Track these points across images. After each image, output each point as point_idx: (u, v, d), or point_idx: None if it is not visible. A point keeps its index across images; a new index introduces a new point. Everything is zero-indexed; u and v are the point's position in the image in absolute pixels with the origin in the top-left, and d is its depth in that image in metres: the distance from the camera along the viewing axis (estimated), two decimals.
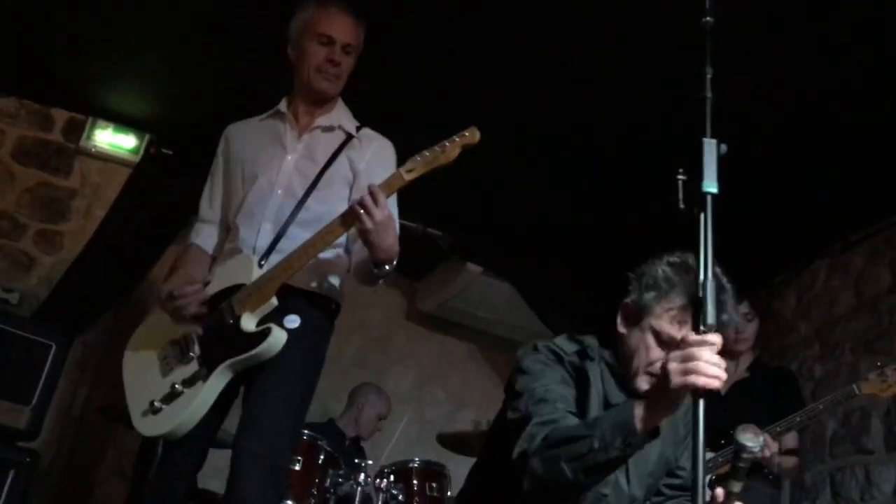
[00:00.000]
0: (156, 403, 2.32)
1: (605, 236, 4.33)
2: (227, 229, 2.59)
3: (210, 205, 2.64)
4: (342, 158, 2.53)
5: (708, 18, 1.66)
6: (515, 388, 1.95)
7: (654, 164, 1.94)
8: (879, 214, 3.99)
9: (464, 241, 4.71)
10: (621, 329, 2.01)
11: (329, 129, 2.59)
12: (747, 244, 3.33)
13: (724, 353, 1.70)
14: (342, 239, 2.46)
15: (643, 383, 1.92)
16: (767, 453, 2.95)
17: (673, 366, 1.54)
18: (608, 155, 3.76)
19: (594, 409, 1.96)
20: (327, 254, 2.44)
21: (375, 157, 2.55)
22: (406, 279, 5.50)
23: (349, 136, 2.58)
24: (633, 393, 1.95)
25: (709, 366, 1.49)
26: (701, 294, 1.47)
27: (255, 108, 2.70)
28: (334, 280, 2.50)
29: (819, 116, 3.36)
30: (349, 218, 2.26)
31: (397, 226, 2.41)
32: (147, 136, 4.37)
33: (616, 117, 3.53)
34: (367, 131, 2.62)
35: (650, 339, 1.92)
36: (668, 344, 1.89)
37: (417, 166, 2.22)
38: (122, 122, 4.34)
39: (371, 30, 2.62)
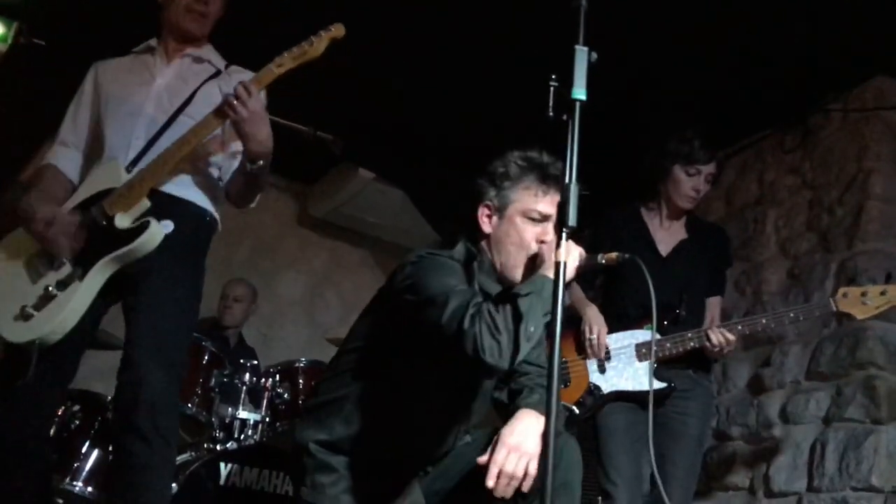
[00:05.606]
0: (27, 309, 2.27)
1: (496, 142, 4.38)
2: (89, 159, 2.51)
3: (74, 128, 2.56)
4: (212, 86, 2.52)
5: None
6: (421, 282, 1.94)
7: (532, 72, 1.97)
8: (750, 129, 4.20)
9: (355, 146, 4.66)
10: (487, 229, 2.10)
11: (199, 59, 2.59)
12: (630, 157, 3.43)
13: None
14: (218, 157, 2.48)
15: (518, 273, 2.03)
16: (727, 351, 2.89)
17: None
18: (497, 62, 3.78)
19: None
20: (204, 171, 2.46)
21: None
22: (297, 184, 5.44)
23: (218, 71, 2.58)
24: (508, 284, 2.04)
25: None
26: (564, 196, 1.54)
27: None
28: (210, 194, 2.51)
29: (691, 35, 3.46)
30: (222, 111, 2.30)
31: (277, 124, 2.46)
32: (15, 24, 4.06)
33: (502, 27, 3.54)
34: (235, 67, 2.63)
35: (519, 222, 2.04)
36: (536, 219, 2.04)
37: (286, 61, 2.31)
38: None
39: None
